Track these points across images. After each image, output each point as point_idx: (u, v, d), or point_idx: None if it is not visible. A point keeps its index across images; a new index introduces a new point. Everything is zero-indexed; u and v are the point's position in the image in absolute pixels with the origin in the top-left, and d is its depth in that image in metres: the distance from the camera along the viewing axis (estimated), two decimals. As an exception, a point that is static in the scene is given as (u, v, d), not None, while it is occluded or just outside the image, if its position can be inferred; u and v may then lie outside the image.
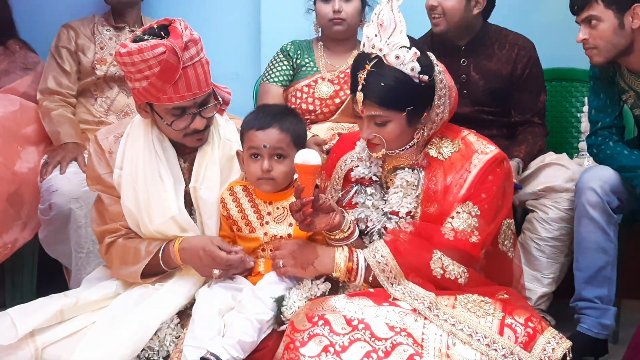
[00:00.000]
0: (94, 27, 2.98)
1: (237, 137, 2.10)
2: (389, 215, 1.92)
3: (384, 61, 1.81)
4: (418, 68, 1.81)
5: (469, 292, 1.82)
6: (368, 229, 1.95)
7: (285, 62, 2.85)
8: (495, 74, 2.75)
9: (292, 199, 1.91)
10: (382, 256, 1.82)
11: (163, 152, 2.03)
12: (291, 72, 2.85)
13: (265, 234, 1.98)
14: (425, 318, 1.73)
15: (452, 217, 1.84)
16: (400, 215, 1.90)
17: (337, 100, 2.77)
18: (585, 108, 2.80)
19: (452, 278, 1.82)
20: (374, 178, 1.96)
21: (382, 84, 1.80)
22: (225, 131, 2.10)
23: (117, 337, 1.85)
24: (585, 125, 2.82)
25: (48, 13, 3.15)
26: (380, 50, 1.80)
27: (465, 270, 1.83)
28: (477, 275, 1.86)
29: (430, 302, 1.75)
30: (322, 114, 2.77)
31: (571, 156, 2.85)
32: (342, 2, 2.75)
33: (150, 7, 3.04)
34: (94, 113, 2.92)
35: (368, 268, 1.83)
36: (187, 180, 2.05)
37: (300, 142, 2.00)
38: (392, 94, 1.81)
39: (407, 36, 1.83)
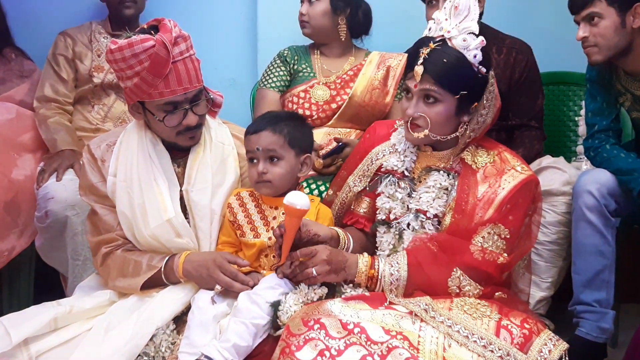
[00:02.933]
0: (91, 35, 2.99)
1: (230, 140, 2.12)
2: (417, 214, 1.93)
3: (449, 44, 1.85)
4: (480, 57, 1.86)
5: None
6: (391, 221, 1.96)
7: (283, 68, 2.86)
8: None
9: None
10: (397, 270, 1.82)
11: (157, 157, 2.04)
12: (288, 78, 2.86)
13: (270, 238, 1.97)
14: (422, 320, 1.72)
15: (483, 237, 1.85)
16: (427, 215, 1.92)
17: (334, 105, 2.77)
18: (583, 111, 2.79)
19: (466, 295, 1.83)
20: (406, 173, 1.98)
21: (444, 60, 1.84)
22: (218, 134, 2.11)
23: (112, 343, 1.84)
24: (582, 129, 2.81)
25: (45, 21, 3.15)
26: (449, 32, 1.85)
27: (481, 289, 1.84)
28: (489, 291, 1.86)
29: (426, 304, 1.75)
30: (319, 119, 2.77)
31: (569, 160, 2.84)
32: (307, 5, 2.80)
33: (147, 15, 3.04)
34: (91, 120, 2.92)
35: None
36: (182, 185, 2.05)
37: (297, 144, 2.01)
38: (451, 73, 1.84)
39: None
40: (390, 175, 1.99)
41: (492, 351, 1.68)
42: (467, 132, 1.91)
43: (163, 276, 1.97)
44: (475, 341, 1.70)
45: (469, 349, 1.69)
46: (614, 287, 2.44)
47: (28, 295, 2.76)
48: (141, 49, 1.90)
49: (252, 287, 1.90)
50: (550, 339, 1.74)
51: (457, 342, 1.70)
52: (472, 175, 1.90)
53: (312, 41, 2.92)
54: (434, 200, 1.92)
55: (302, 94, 2.80)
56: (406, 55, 2.76)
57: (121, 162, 2.05)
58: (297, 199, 1.79)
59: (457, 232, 1.87)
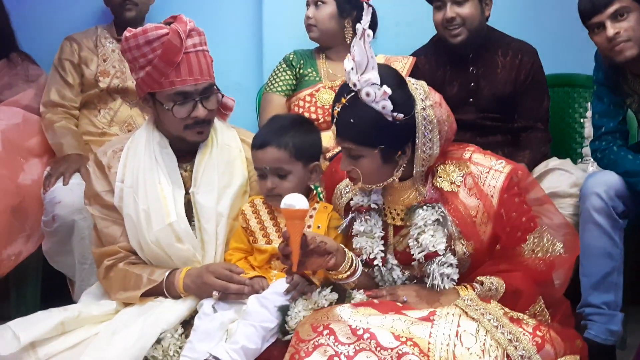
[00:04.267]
0: (97, 40, 2.99)
1: (238, 143, 2.13)
2: (433, 259, 1.84)
3: (359, 96, 1.76)
4: (390, 107, 1.74)
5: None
6: (371, 262, 1.91)
7: (288, 72, 2.86)
8: (500, 81, 2.75)
9: (310, 212, 1.93)
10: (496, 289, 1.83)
11: (163, 159, 2.05)
12: (294, 82, 2.86)
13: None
14: (432, 326, 1.71)
15: (533, 251, 1.85)
16: (439, 253, 1.84)
17: (340, 109, 2.77)
18: (589, 113, 2.79)
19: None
20: (373, 205, 1.92)
21: (351, 120, 1.77)
22: (224, 136, 2.12)
23: (118, 345, 1.85)
24: (588, 131, 2.81)
25: (50, 25, 3.15)
26: (355, 85, 1.76)
27: (549, 317, 1.87)
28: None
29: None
30: (325, 122, 2.77)
31: (574, 162, 2.83)
32: (313, 8, 2.80)
33: (152, 19, 3.04)
34: (97, 124, 2.93)
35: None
36: (189, 189, 2.06)
37: (304, 155, 1.99)
38: (362, 131, 1.77)
39: (394, 75, 1.80)
40: (355, 213, 1.95)
41: (515, 348, 1.68)
42: (416, 168, 1.84)
43: (165, 290, 1.98)
44: (503, 333, 1.69)
45: (494, 338, 1.68)
46: (622, 289, 2.43)
47: (35, 299, 2.76)
48: (155, 36, 1.94)
49: (251, 289, 1.89)
50: None
51: (485, 329, 1.69)
52: (455, 198, 1.85)
53: (318, 45, 2.92)
54: (432, 237, 1.84)
55: (307, 98, 2.80)
56: (411, 58, 2.80)
57: (128, 167, 2.06)
58: (294, 200, 1.76)
59: (482, 249, 1.85)
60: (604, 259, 2.39)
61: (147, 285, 1.97)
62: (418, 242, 1.85)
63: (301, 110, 2.79)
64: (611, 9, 2.33)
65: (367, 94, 1.74)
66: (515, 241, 1.85)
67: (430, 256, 1.84)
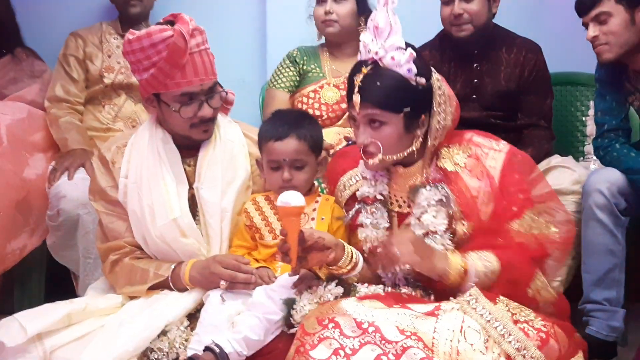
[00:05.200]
0: (102, 36, 3.01)
1: (241, 138, 2.13)
2: (431, 236, 1.86)
3: (380, 64, 1.81)
4: (414, 70, 1.80)
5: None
6: (371, 248, 1.92)
7: (292, 68, 2.87)
8: (504, 78, 2.76)
9: (313, 205, 1.94)
10: (488, 266, 1.79)
11: (166, 155, 2.05)
12: (298, 78, 2.87)
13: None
14: (436, 321, 1.71)
15: (529, 225, 1.83)
16: (439, 233, 1.85)
17: (343, 105, 2.78)
18: (591, 112, 2.80)
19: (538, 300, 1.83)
20: (379, 197, 1.94)
21: (378, 83, 1.80)
22: (227, 132, 2.13)
23: (122, 336, 1.86)
24: (590, 129, 2.82)
25: (55, 21, 3.16)
26: (377, 53, 1.80)
27: (555, 295, 1.85)
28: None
29: (470, 295, 1.74)
30: (329, 119, 2.79)
31: (577, 160, 2.85)
32: (333, 4, 2.78)
33: (156, 16, 3.05)
34: (102, 120, 2.94)
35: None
36: (193, 184, 2.07)
37: (317, 146, 2.02)
38: (389, 94, 1.81)
39: (407, 43, 1.84)
40: (362, 204, 1.96)
41: (523, 356, 1.67)
42: (430, 141, 1.86)
43: (171, 284, 1.99)
44: (510, 342, 1.68)
45: (502, 347, 1.67)
46: (623, 285, 2.45)
47: (39, 293, 2.77)
48: (159, 38, 1.93)
49: (257, 277, 1.90)
50: None
51: (492, 338, 1.68)
52: (458, 178, 1.87)
53: (322, 42, 2.92)
54: (435, 217, 1.86)
55: (311, 94, 2.81)
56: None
57: (132, 163, 2.07)
58: (289, 197, 1.77)
59: (483, 233, 1.85)
60: (606, 256, 2.41)
61: (153, 280, 1.98)
62: (420, 221, 1.88)
63: (305, 106, 2.80)
64: (592, 13, 2.38)
65: (393, 58, 1.78)
66: (510, 216, 1.84)
67: (431, 233, 1.87)
